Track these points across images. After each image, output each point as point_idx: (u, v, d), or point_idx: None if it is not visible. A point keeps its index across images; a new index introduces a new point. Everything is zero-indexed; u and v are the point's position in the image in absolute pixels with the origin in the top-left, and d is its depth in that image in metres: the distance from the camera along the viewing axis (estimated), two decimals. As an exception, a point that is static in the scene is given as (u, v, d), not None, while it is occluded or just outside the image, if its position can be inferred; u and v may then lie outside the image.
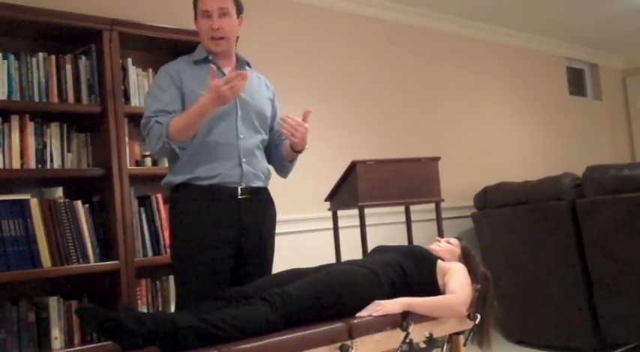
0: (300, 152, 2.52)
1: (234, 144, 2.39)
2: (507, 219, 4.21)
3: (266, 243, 2.48)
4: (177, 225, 2.39)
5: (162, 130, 2.27)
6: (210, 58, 2.45)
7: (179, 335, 1.83)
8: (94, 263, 2.79)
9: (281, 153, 2.58)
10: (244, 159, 2.39)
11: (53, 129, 2.83)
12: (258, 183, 2.45)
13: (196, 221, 2.34)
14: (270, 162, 2.63)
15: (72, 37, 2.96)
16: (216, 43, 2.41)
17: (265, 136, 2.55)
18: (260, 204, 2.45)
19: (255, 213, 2.42)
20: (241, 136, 2.41)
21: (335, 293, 2.15)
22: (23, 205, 2.66)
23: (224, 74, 2.39)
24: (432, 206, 3.57)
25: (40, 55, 2.82)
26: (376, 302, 2.18)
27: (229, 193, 2.36)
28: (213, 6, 2.36)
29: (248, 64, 2.56)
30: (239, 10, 2.45)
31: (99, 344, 2.71)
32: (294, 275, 2.24)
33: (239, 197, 2.37)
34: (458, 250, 2.64)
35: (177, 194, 2.40)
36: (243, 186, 2.38)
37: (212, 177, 2.35)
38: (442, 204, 3.57)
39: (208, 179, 2.35)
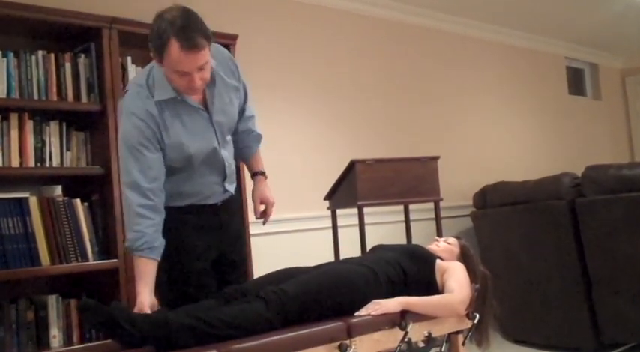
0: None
1: (221, 172, 2.29)
2: (506, 218, 4.21)
3: (240, 240, 2.47)
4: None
5: (132, 238, 2.08)
6: (180, 97, 2.13)
7: (172, 335, 1.83)
8: (93, 261, 2.79)
9: (241, 157, 2.52)
10: (227, 185, 2.33)
11: (52, 128, 2.82)
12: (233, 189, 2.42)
13: (177, 229, 2.20)
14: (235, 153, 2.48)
15: (71, 35, 2.96)
16: (195, 91, 2.10)
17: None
18: (231, 203, 2.41)
19: (228, 212, 2.39)
20: (227, 163, 2.30)
21: (333, 291, 2.15)
22: (22, 203, 2.66)
23: (193, 108, 2.17)
24: (431, 205, 3.57)
25: (40, 53, 2.82)
26: (375, 301, 2.18)
27: (211, 207, 2.30)
28: (192, 66, 1.98)
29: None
30: (210, 42, 2.03)
31: (97, 342, 2.71)
32: (292, 273, 2.23)
33: (219, 205, 2.33)
34: (457, 249, 2.64)
35: None
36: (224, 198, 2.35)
37: (198, 202, 2.27)
38: (441, 204, 3.58)
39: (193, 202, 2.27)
